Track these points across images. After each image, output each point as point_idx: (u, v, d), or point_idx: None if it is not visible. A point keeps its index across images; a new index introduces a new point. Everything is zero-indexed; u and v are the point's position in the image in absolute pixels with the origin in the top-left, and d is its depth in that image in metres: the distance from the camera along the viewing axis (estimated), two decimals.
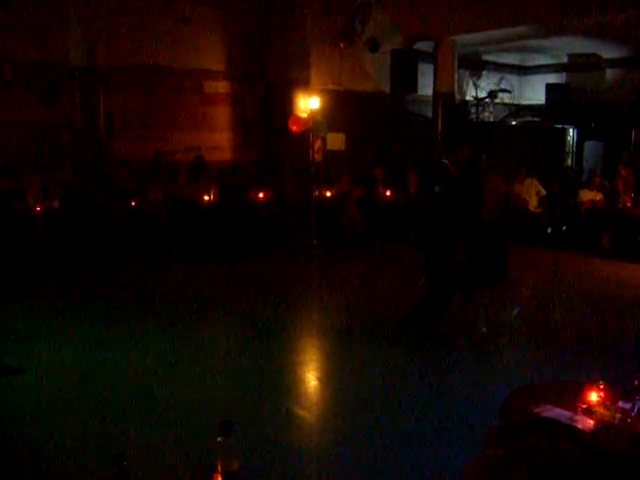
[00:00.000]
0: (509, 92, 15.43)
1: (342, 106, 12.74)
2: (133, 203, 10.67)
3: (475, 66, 15.23)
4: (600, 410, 3.11)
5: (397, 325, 7.04)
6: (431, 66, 13.61)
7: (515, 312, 7.59)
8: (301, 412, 5.09)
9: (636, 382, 3.15)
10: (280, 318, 7.58)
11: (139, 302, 8.20)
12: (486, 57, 15.34)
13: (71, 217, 10.11)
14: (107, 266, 9.70)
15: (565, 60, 15.36)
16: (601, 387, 3.21)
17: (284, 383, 5.70)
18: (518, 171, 12.61)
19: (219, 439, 2.22)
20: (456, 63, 13.72)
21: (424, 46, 13.55)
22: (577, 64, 15.16)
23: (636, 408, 3.10)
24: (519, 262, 10.26)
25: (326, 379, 6.00)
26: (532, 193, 12.39)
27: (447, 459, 4.15)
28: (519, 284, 8.81)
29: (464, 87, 15.06)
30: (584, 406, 3.13)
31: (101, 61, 11.38)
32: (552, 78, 15.69)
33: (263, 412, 5.00)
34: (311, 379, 5.96)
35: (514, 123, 15.36)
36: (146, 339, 6.74)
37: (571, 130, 15.34)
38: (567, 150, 15.38)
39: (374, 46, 13.03)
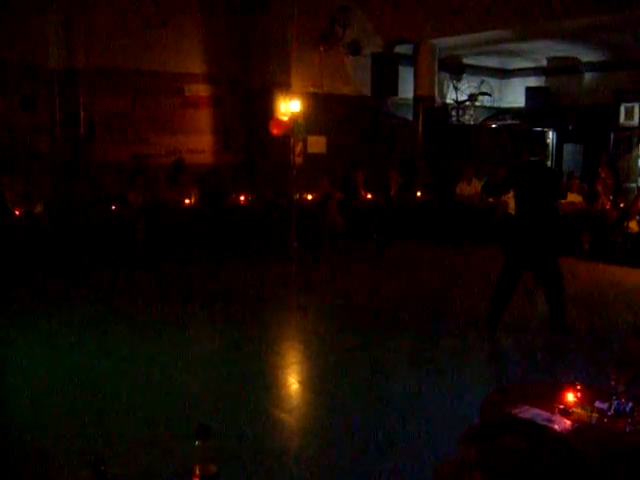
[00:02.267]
0: (489, 95, 15.53)
1: (323, 109, 12.76)
2: (114, 207, 10.62)
3: (455, 69, 15.31)
4: (577, 410, 3.13)
5: (385, 325, 7.09)
6: (411, 69, 13.68)
7: None
8: (282, 415, 5.09)
9: (612, 382, 3.17)
10: (260, 321, 7.58)
11: (118, 305, 8.14)
12: (466, 60, 15.41)
13: (52, 221, 10.05)
14: (86, 269, 9.64)
15: (545, 64, 15.47)
16: (578, 388, 3.24)
17: (265, 386, 5.68)
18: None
19: (197, 443, 2.21)
20: (436, 66, 13.80)
21: (404, 49, 13.61)
22: (556, 68, 15.27)
23: (612, 408, 3.12)
24: (499, 264, 10.32)
25: (307, 382, 6.00)
26: (510, 195, 12.44)
27: (430, 460, 4.15)
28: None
29: (444, 90, 15.13)
30: (561, 407, 3.15)
31: (81, 64, 11.31)
32: (532, 81, 15.80)
33: (243, 415, 4.99)
34: (292, 382, 5.96)
35: (494, 126, 15.45)
36: (125, 342, 6.72)
37: (550, 133, 15.45)
38: (546, 153, 15.48)
39: (355, 49, 13.07)
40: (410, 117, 14.01)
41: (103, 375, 5.78)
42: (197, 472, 2.20)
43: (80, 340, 6.74)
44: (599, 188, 12.04)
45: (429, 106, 13.70)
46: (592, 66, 14.74)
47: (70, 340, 6.74)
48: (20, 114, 10.81)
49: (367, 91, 13.46)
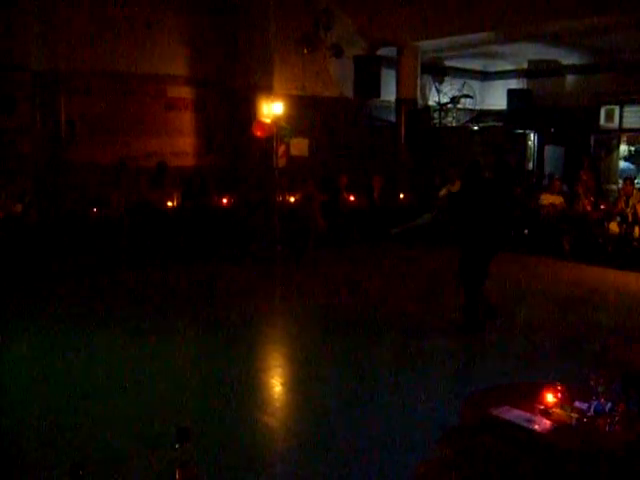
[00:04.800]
0: (471, 97, 15.59)
1: (306, 111, 12.77)
2: (95, 209, 10.56)
3: (438, 72, 15.36)
4: (557, 411, 3.15)
5: (367, 327, 7.11)
6: (394, 72, 13.71)
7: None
8: (265, 418, 5.08)
9: (592, 382, 3.19)
10: (244, 324, 7.56)
11: (99, 308, 8.10)
12: (449, 63, 15.47)
13: (34, 223, 10.00)
14: (68, 271, 9.58)
15: (526, 66, 15.57)
16: (558, 388, 3.25)
17: (248, 389, 5.67)
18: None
19: (177, 446, 2.20)
20: (419, 69, 13.84)
21: (387, 52, 13.64)
22: (538, 70, 15.37)
23: (592, 408, 3.14)
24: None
25: (290, 384, 6.00)
26: None
27: (413, 461, 4.15)
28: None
29: (427, 92, 15.17)
30: (541, 407, 3.17)
31: (62, 66, 11.23)
32: (513, 84, 15.88)
33: (226, 418, 4.98)
34: (275, 385, 5.96)
35: (476, 128, 15.51)
36: (106, 346, 6.68)
37: (532, 135, 15.52)
38: (528, 154, 15.56)
39: (337, 52, 13.07)
40: (392, 119, 14.05)
41: (84, 379, 5.75)
42: (177, 476, 2.19)
43: (61, 344, 6.70)
44: (580, 190, 12.11)
45: (411, 108, 13.74)
46: (573, 69, 14.85)
47: (50, 344, 6.70)
48: (1, 115, 10.72)
49: (350, 93, 13.48)
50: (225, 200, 11.73)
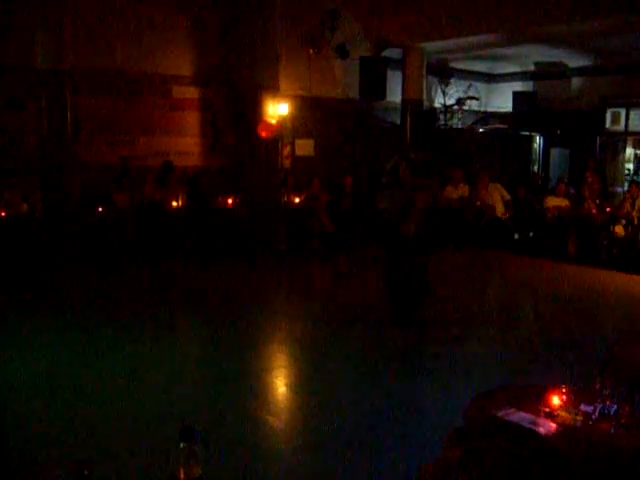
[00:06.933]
0: (477, 99, 15.57)
1: (311, 112, 12.76)
2: (100, 209, 10.58)
3: (443, 73, 15.33)
4: (562, 413, 3.14)
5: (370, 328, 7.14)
6: (400, 73, 13.70)
7: None
8: (269, 418, 5.08)
9: (597, 385, 3.18)
10: (248, 324, 7.56)
11: (102, 308, 8.11)
12: (454, 65, 15.45)
13: (39, 221, 10.04)
14: (73, 271, 9.59)
15: (532, 68, 15.55)
16: (563, 391, 3.24)
17: (252, 389, 5.67)
18: (480, 177, 12.87)
19: (181, 445, 2.20)
20: (425, 70, 13.81)
21: (393, 53, 13.63)
22: (544, 72, 15.35)
23: (597, 411, 3.13)
24: (487, 267, 10.37)
25: (294, 385, 5.99)
26: (497, 198, 12.53)
27: (416, 462, 4.14)
28: (487, 288, 8.90)
29: (432, 94, 15.15)
30: (546, 409, 3.16)
31: (68, 65, 11.25)
32: (519, 86, 15.87)
33: (230, 418, 4.98)
34: (279, 385, 5.95)
35: (482, 130, 15.50)
36: (110, 345, 6.68)
37: (538, 137, 15.52)
38: (534, 157, 15.56)
39: (343, 53, 13.06)
40: (398, 121, 14.03)
41: (88, 378, 5.75)
42: (181, 475, 2.19)
43: (65, 343, 6.70)
44: (585, 193, 12.10)
45: (417, 110, 13.72)
46: (579, 71, 14.83)
47: (53, 341, 6.71)
48: (7, 115, 10.75)
49: (355, 94, 13.46)
50: (230, 200, 11.73)
